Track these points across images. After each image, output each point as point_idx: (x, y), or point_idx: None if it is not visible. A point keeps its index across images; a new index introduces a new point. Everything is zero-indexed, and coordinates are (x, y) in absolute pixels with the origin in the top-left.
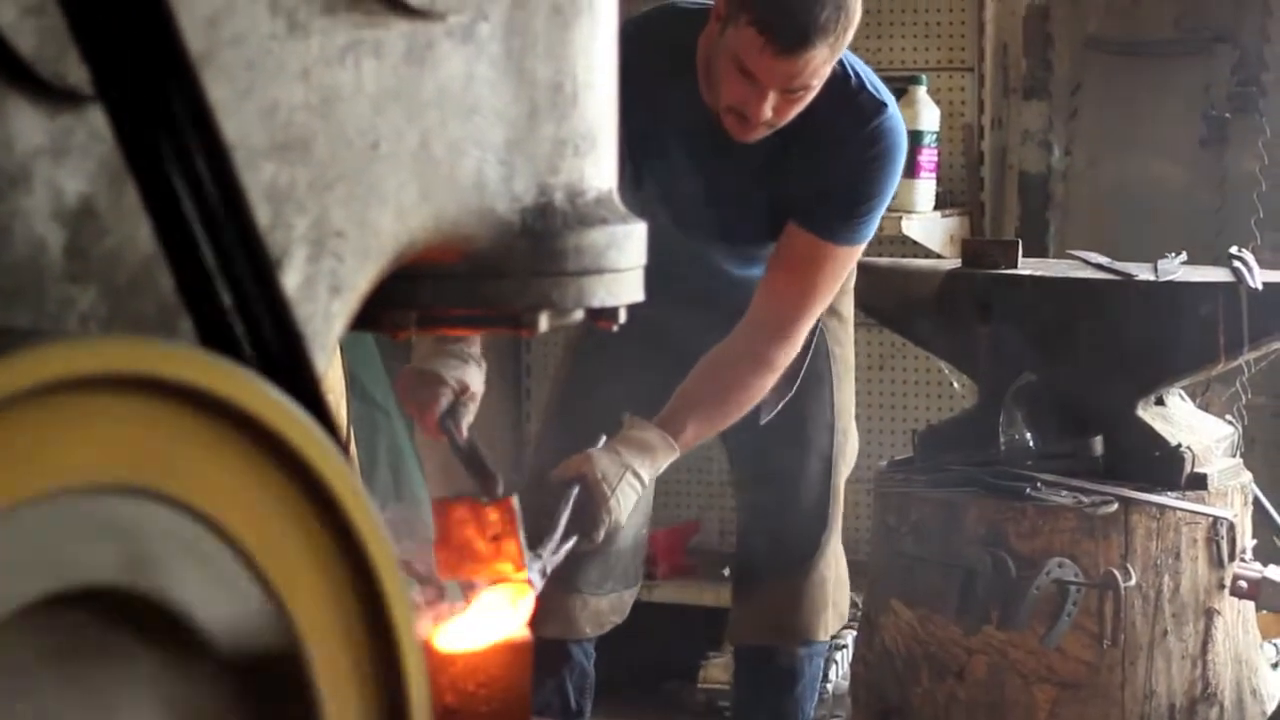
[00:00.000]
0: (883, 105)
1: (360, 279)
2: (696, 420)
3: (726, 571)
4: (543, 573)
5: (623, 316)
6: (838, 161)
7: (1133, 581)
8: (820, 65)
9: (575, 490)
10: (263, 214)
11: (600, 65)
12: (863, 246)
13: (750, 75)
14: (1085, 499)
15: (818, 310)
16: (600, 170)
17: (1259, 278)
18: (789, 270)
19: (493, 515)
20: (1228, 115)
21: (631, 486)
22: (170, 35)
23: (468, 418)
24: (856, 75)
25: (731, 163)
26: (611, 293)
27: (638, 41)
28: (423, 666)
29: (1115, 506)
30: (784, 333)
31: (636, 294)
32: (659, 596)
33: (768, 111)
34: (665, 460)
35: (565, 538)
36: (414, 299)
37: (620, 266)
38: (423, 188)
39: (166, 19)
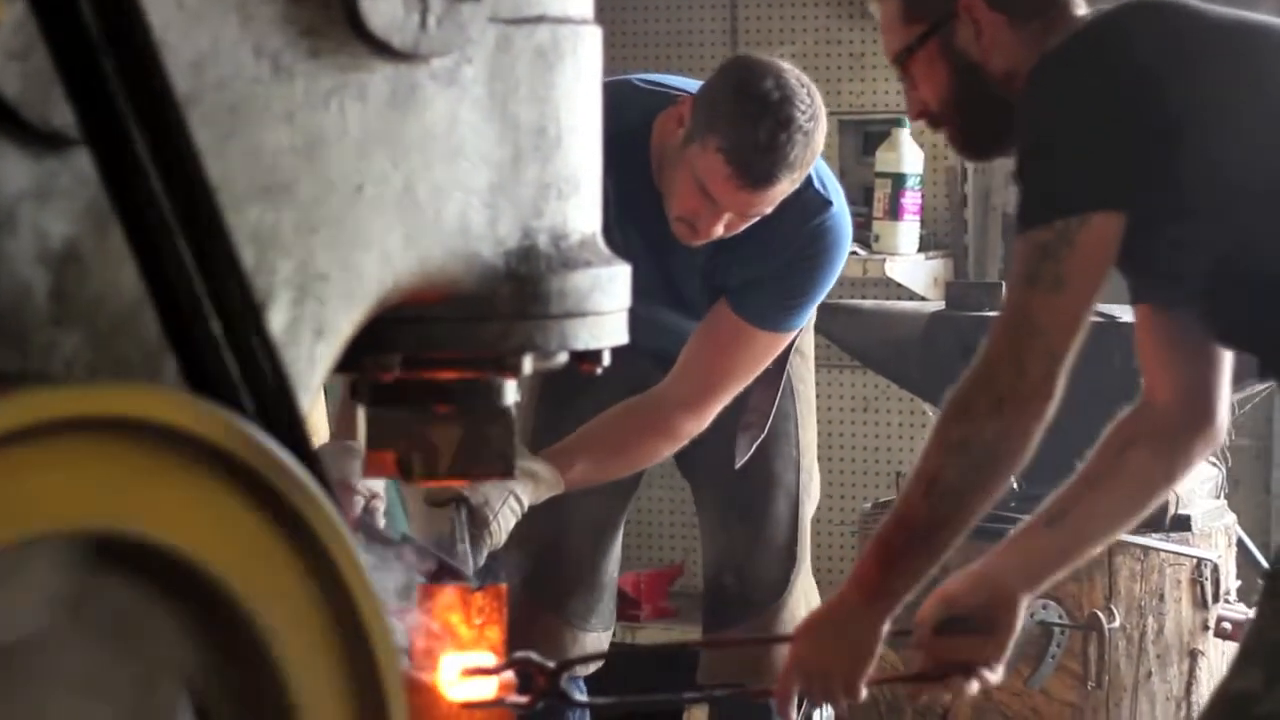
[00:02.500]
0: (827, 204)
1: (344, 322)
2: (588, 463)
3: None
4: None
5: (606, 359)
6: (777, 254)
7: (1117, 623)
8: (781, 195)
9: (465, 512)
10: (247, 257)
11: (584, 109)
12: (790, 335)
13: (710, 197)
14: None
15: (735, 390)
16: (584, 213)
17: None
18: (712, 347)
19: (481, 601)
20: None
21: (512, 510)
22: (155, 79)
23: (380, 519)
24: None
25: (676, 244)
26: (595, 335)
27: None
28: (404, 704)
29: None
30: (696, 406)
31: (620, 336)
32: (642, 639)
33: (720, 230)
34: (548, 492)
35: (466, 555)
36: (398, 342)
37: (604, 309)
38: (407, 231)
39: (152, 62)
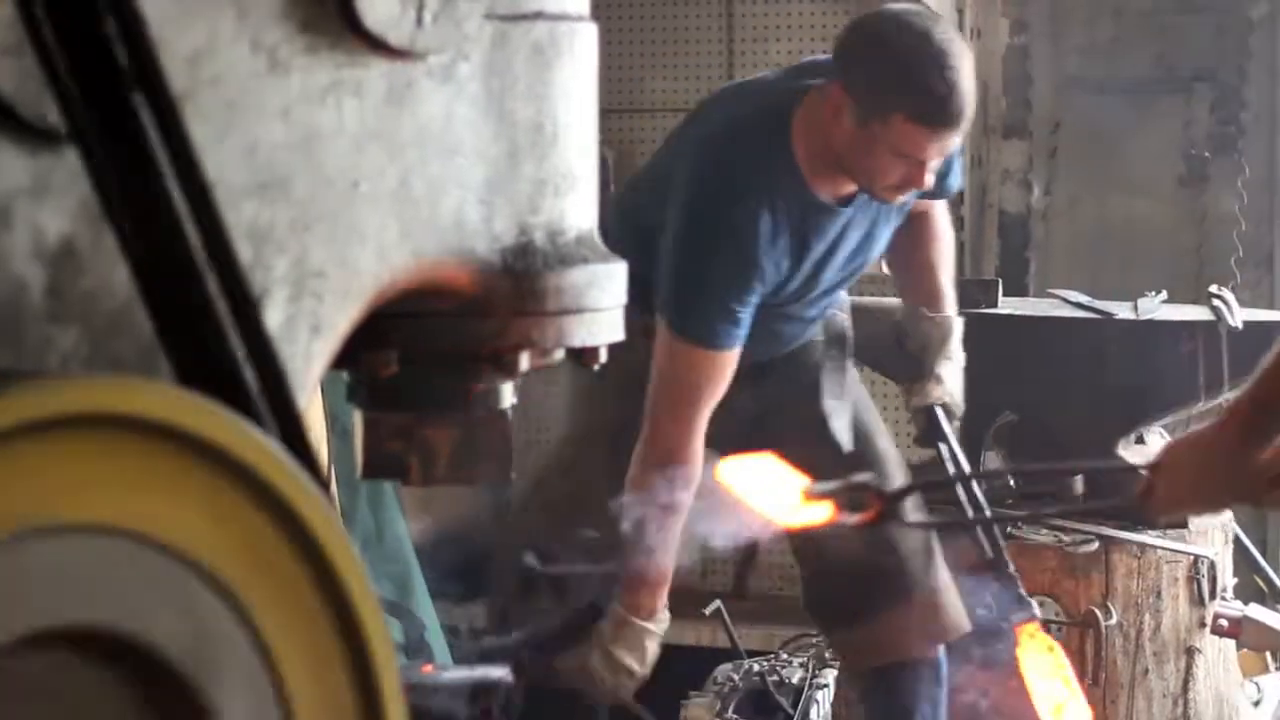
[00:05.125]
0: None
1: (341, 318)
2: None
3: (708, 611)
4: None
5: (603, 356)
6: None
7: (1114, 620)
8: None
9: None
10: (243, 253)
11: (580, 106)
12: None
13: (911, 157)
14: (1066, 538)
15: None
16: (580, 209)
17: (1238, 316)
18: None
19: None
20: (1207, 154)
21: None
22: (151, 74)
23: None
24: None
25: (839, 215)
26: (592, 332)
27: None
28: (401, 706)
29: (1096, 545)
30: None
31: (616, 333)
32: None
33: (931, 178)
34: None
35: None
36: (394, 338)
37: (601, 306)
38: (403, 227)
39: (148, 58)
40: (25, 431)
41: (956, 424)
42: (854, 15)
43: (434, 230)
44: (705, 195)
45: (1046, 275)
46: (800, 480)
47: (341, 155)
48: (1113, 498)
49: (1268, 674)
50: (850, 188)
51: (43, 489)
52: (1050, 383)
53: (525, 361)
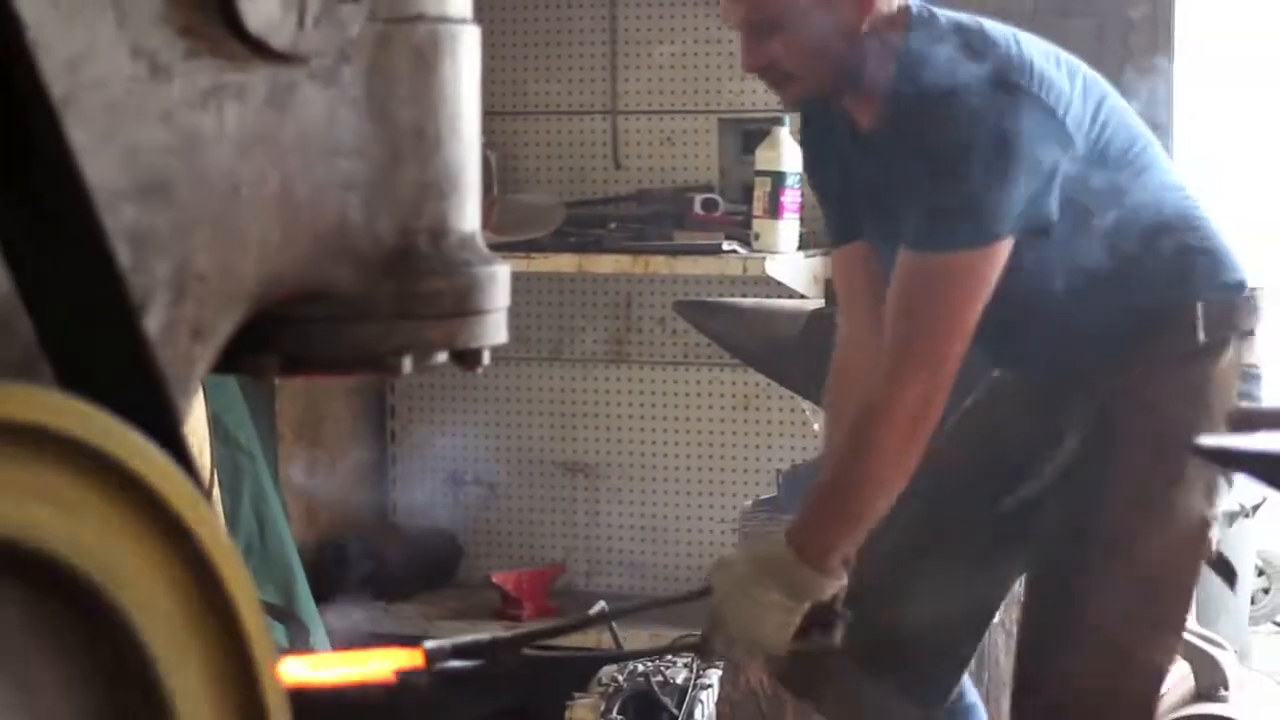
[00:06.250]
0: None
1: (223, 322)
2: (819, 514)
3: (592, 611)
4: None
5: (486, 359)
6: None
7: (996, 619)
8: None
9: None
10: (124, 257)
11: (463, 109)
12: (970, 253)
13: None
14: None
15: (930, 338)
16: (463, 213)
17: None
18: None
19: None
20: None
21: (742, 607)
22: (31, 77)
23: None
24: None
25: (858, 141)
26: (475, 335)
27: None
28: (285, 710)
29: None
30: (894, 372)
31: (500, 335)
32: None
33: (744, 54)
34: (812, 586)
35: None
36: (276, 343)
37: (484, 308)
38: (285, 231)
39: (27, 61)
40: None
41: None
42: None
43: (316, 233)
44: None
45: None
46: None
47: (223, 159)
48: None
49: None
50: (874, 110)
51: None
52: None
53: (408, 365)
